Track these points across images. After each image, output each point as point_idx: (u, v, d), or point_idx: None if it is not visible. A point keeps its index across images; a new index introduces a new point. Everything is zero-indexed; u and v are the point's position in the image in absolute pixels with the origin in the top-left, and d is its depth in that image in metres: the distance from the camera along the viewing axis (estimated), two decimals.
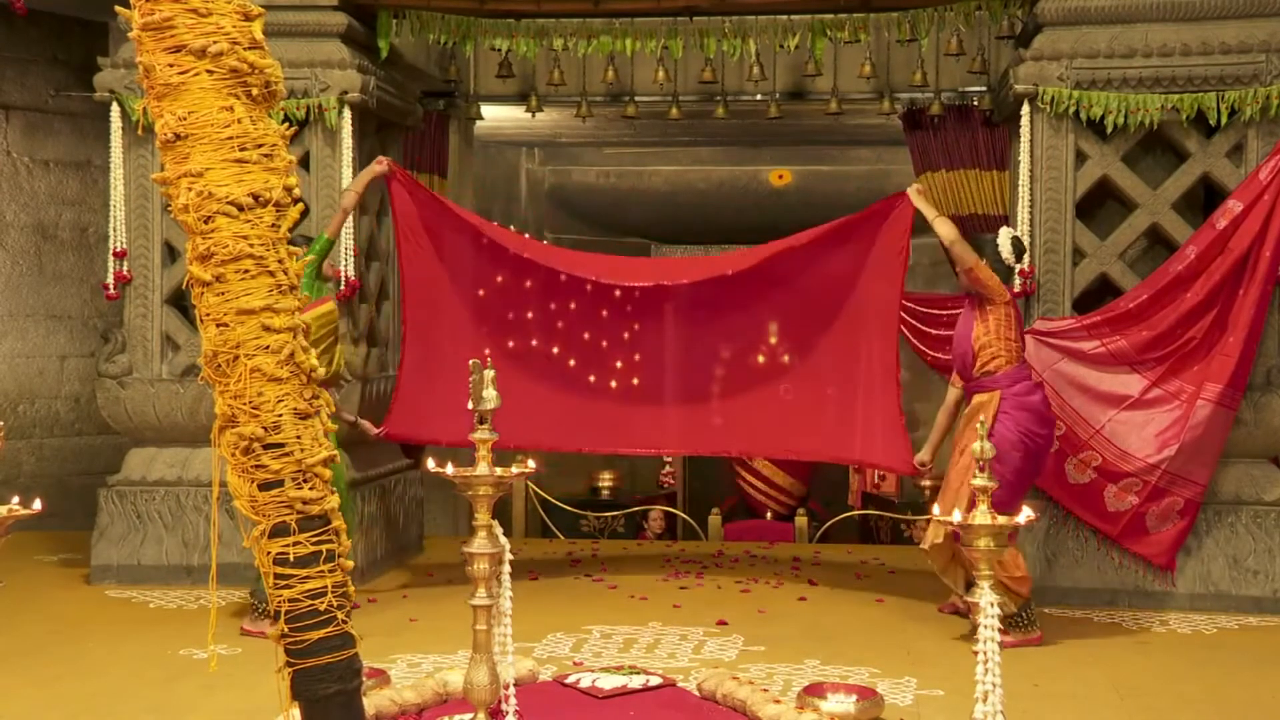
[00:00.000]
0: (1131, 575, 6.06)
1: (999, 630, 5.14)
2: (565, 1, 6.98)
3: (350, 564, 3.05)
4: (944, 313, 10.63)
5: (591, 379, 6.80)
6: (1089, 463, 5.96)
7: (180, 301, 6.75)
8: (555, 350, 6.80)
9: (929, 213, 5.81)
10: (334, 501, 3.01)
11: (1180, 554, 6.04)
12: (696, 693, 4.54)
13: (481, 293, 6.77)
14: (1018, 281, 6.29)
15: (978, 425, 3.52)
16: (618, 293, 6.83)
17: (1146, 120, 6.11)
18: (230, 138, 2.90)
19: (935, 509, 3.76)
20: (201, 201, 2.89)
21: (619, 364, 6.85)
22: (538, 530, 9.56)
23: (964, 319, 5.65)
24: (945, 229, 5.64)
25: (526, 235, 7.15)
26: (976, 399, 5.52)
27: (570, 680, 4.62)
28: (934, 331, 10.77)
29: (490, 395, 3.65)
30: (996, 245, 5.63)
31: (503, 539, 3.72)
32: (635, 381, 6.85)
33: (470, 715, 3.76)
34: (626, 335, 6.87)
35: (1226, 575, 6.09)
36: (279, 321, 2.93)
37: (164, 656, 5.18)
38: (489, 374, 3.68)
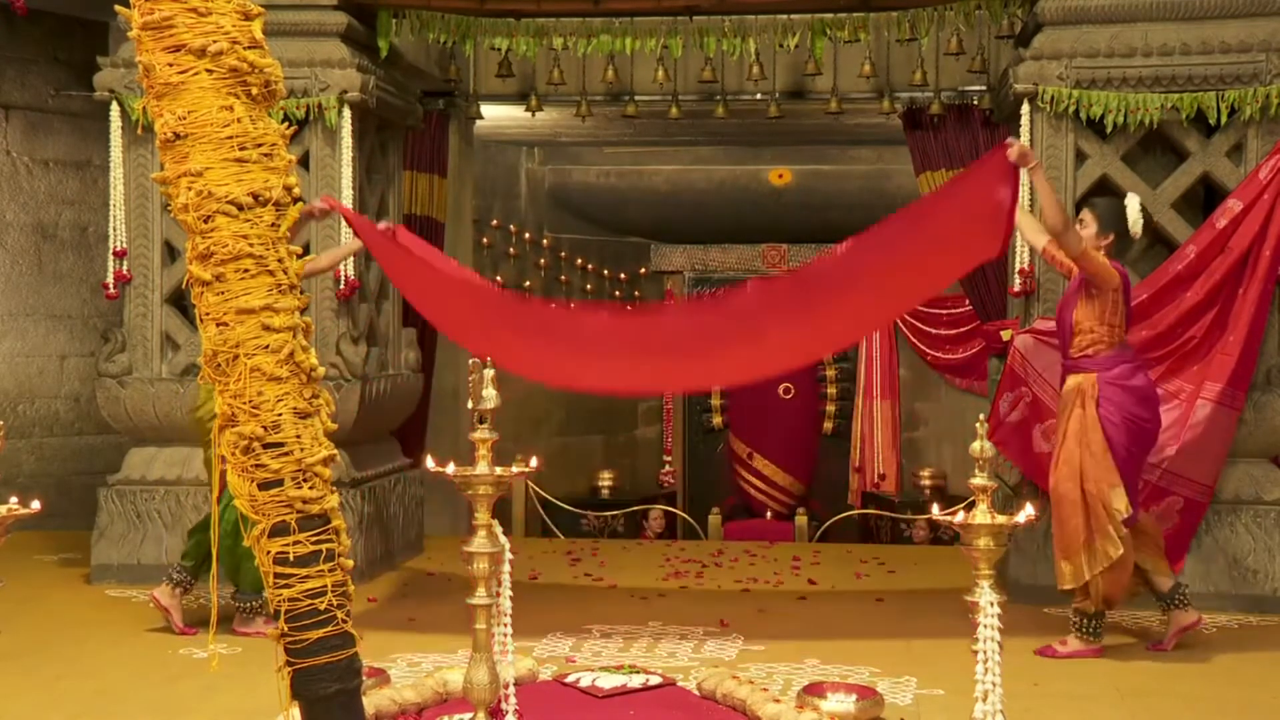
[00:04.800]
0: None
1: (1072, 637, 5.21)
2: (565, 1, 6.98)
3: (350, 563, 3.05)
4: (944, 312, 10.67)
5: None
6: None
7: (180, 301, 6.75)
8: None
9: (1044, 195, 5.11)
10: (334, 500, 3.01)
11: None
12: (696, 692, 4.54)
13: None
14: (1017, 281, 6.29)
15: (978, 425, 3.50)
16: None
17: (1146, 120, 6.11)
18: (230, 137, 2.90)
19: (935, 508, 3.74)
20: (201, 201, 2.89)
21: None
22: (538, 530, 9.57)
23: (1069, 293, 5.36)
24: (1055, 218, 5.06)
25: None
26: (1072, 380, 5.28)
27: (570, 679, 4.62)
28: (934, 331, 10.79)
29: (490, 395, 3.66)
30: (1121, 210, 5.28)
31: (503, 538, 3.72)
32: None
33: (470, 715, 3.76)
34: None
35: (1226, 575, 6.09)
36: (279, 321, 2.92)
37: (164, 656, 5.18)
38: (489, 373, 3.68)
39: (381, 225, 5.85)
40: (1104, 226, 5.28)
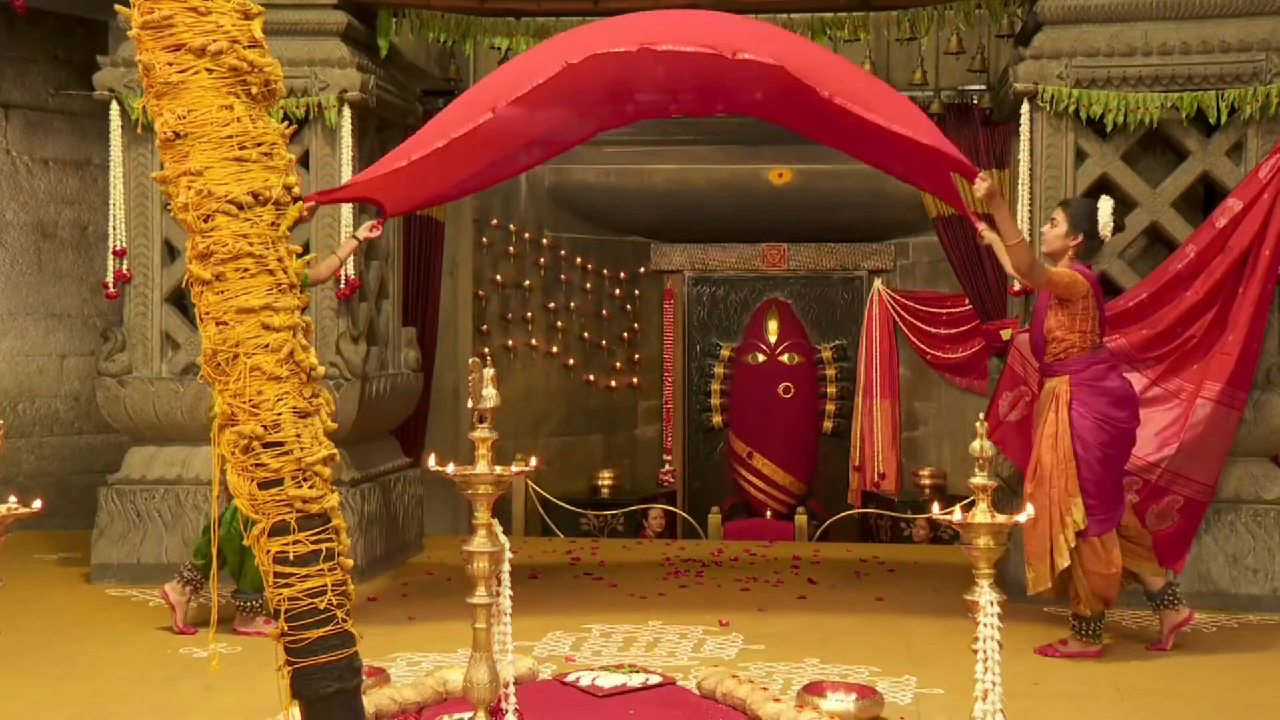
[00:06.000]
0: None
1: (1072, 638, 5.22)
2: (565, 0, 6.98)
3: (350, 562, 3.04)
4: (944, 311, 10.65)
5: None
6: None
7: (180, 300, 6.75)
8: None
9: (1007, 237, 5.17)
10: (333, 499, 3.01)
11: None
12: (696, 691, 4.54)
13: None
14: (1017, 281, 6.29)
15: (978, 425, 3.50)
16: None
17: (1146, 119, 6.11)
18: (230, 136, 2.90)
19: (935, 507, 3.72)
20: (201, 200, 2.89)
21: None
22: (538, 529, 9.57)
23: (1040, 304, 5.41)
24: (1019, 257, 5.16)
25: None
26: (1048, 384, 5.33)
27: (570, 679, 4.62)
28: (934, 331, 10.78)
29: (490, 394, 3.65)
30: (1093, 212, 5.30)
31: (502, 537, 3.72)
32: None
33: (470, 714, 3.76)
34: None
35: (1226, 574, 6.10)
36: (278, 320, 2.92)
37: (164, 656, 5.18)
38: (488, 372, 3.68)
39: (364, 230, 5.87)
40: (1074, 226, 5.29)
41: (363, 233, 5.86)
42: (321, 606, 2.95)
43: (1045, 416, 5.29)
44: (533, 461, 4.10)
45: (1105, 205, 5.35)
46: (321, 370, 3.03)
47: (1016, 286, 6.32)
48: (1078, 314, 5.22)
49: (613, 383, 11.48)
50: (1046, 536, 5.19)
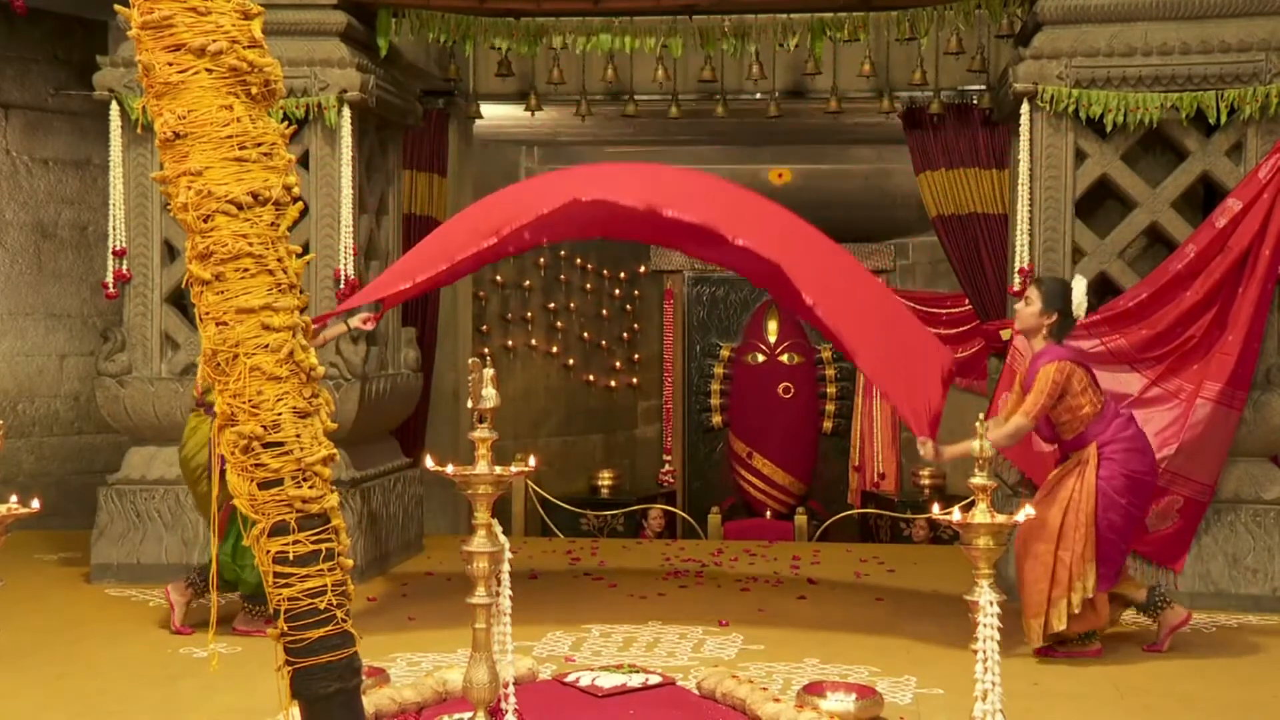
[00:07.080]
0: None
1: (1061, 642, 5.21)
2: (565, 0, 6.98)
3: (350, 562, 3.04)
4: (944, 311, 10.66)
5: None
6: None
7: (180, 300, 6.76)
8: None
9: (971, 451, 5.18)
10: (333, 500, 3.01)
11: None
12: (696, 691, 4.54)
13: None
14: (1017, 280, 6.30)
15: (977, 425, 3.51)
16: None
17: (1146, 119, 6.11)
18: (230, 136, 2.90)
19: (935, 507, 3.72)
20: (201, 200, 2.89)
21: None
22: (537, 529, 9.58)
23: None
24: (1001, 438, 5.17)
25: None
26: (1074, 455, 5.22)
27: (570, 679, 4.62)
28: (934, 331, 10.78)
29: (489, 394, 3.66)
30: (1066, 291, 5.26)
31: (502, 538, 3.73)
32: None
33: (470, 714, 3.76)
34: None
35: (1226, 574, 6.10)
36: (278, 320, 2.92)
37: (164, 656, 5.19)
38: (488, 372, 3.68)
39: (357, 320, 5.84)
40: (1048, 304, 5.22)
41: (355, 322, 5.83)
42: (321, 606, 2.94)
43: (1066, 479, 5.18)
44: (532, 461, 4.10)
45: (1079, 285, 5.30)
46: (321, 370, 3.03)
47: (1016, 286, 6.32)
48: (1077, 393, 5.15)
49: (613, 383, 11.49)
50: (1045, 595, 5.11)
